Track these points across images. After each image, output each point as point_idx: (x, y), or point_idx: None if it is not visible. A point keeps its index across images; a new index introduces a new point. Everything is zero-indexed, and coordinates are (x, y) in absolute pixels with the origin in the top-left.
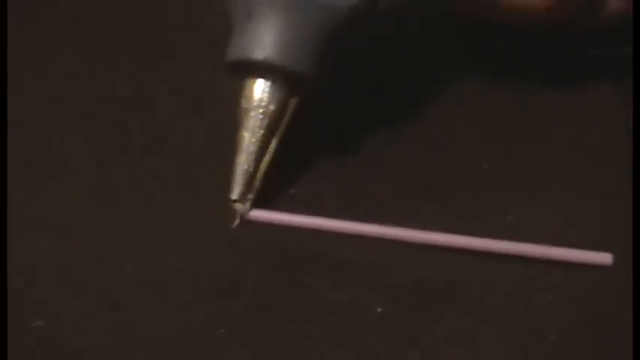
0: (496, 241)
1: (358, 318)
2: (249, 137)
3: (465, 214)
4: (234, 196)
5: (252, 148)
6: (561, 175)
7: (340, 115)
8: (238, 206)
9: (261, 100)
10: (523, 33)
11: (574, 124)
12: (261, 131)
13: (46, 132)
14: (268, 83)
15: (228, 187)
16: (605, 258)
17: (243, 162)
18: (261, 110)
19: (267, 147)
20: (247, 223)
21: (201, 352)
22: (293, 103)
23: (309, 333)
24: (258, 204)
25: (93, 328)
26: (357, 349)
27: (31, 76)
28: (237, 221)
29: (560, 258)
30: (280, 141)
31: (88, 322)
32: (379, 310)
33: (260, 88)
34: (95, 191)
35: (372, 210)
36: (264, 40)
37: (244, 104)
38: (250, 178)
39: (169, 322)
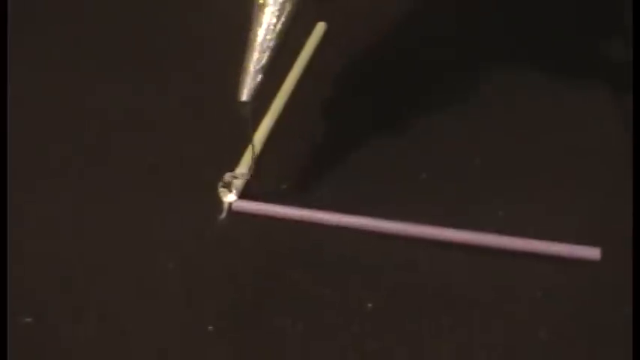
0: (486, 235)
1: (348, 313)
2: (264, 35)
3: (456, 208)
4: (244, 97)
5: (265, 46)
6: (552, 172)
7: (332, 111)
8: (224, 192)
9: None
10: (518, 28)
11: (566, 122)
12: (276, 31)
13: (38, 133)
14: None
15: (215, 184)
16: (593, 253)
17: (255, 61)
18: (277, 7)
19: (279, 48)
20: (236, 216)
21: (189, 349)
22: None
23: (298, 329)
24: (247, 196)
25: (81, 326)
26: (346, 345)
27: (31, 77)
28: (225, 212)
29: (550, 253)
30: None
31: (76, 319)
32: (369, 305)
33: None
34: (83, 193)
35: (363, 206)
36: None
37: (260, 0)
38: (260, 81)
39: (158, 319)
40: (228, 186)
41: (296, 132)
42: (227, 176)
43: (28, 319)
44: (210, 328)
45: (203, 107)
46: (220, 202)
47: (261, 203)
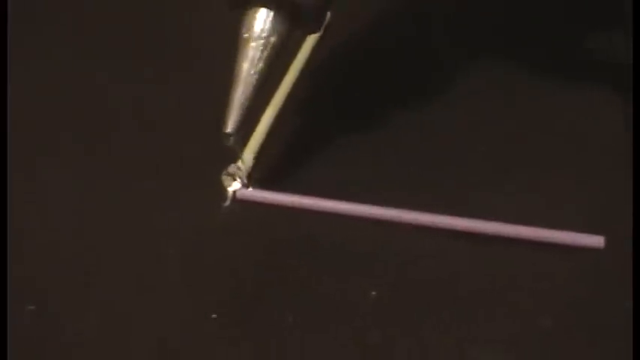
0: (489, 223)
1: (352, 302)
2: (248, 68)
3: (459, 197)
4: (229, 128)
5: (250, 80)
6: (556, 160)
7: (335, 101)
8: (226, 179)
9: (262, 30)
10: (519, 28)
11: (570, 112)
12: (261, 63)
13: (37, 128)
14: (271, 13)
15: (218, 172)
16: (597, 241)
17: (239, 94)
18: (261, 41)
19: (264, 81)
20: (238, 206)
21: (192, 338)
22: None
23: (301, 317)
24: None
25: (84, 314)
26: (348, 334)
27: (31, 77)
28: (228, 200)
29: (553, 241)
30: (279, 111)
31: (79, 308)
32: (373, 293)
33: (262, 18)
34: (86, 182)
35: (366, 196)
36: None
37: (245, 34)
38: (246, 112)
39: (160, 307)
40: (232, 175)
41: (299, 121)
42: (231, 167)
43: (31, 307)
44: (213, 316)
45: (207, 97)
46: (224, 190)
47: (266, 191)
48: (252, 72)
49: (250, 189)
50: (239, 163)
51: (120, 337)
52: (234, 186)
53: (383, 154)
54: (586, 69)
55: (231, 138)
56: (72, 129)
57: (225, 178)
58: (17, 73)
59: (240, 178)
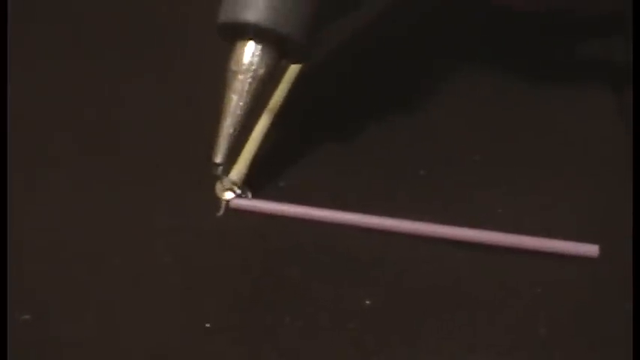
0: (485, 232)
1: (346, 311)
2: (237, 100)
3: (455, 205)
4: (218, 159)
5: (239, 111)
6: (551, 169)
7: (330, 107)
8: (220, 188)
9: (250, 63)
10: (516, 25)
11: (565, 119)
12: (249, 95)
13: (37, 129)
14: (259, 47)
15: (214, 179)
16: (592, 250)
17: (228, 125)
18: (250, 74)
19: (252, 111)
20: (234, 213)
21: (187, 346)
22: (293, 73)
23: (296, 326)
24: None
25: (79, 322)
26: (344, 342)
27: (31, 74)
28: (222, 210)
29: (548, 249)
30: (273, 119)
31: (74, 316)
32: (367, 302)
33: (250, 51)
34: (80, 188)
35: (362, 203)
36: (257, 2)
37: (233, 67)
38: (234, 142)
39: (155, 316)
40: (226, 187)
41: (293, 129)
42: (226, 181)
43: (26, 317)
44: (207, 325)
45: (203, 106)
46: (218, 199)
47: (259, 200)
48: (240, 103)
49: (244, 198)
50: (233, 175)
51: (117, 342)
52: (228, 195)
53: (377, 159)
54: (585, 71)
55: (220, 168)
56: (72, 129)
57: (219, 188)
58: (17, 73)
59: (233, 188)
